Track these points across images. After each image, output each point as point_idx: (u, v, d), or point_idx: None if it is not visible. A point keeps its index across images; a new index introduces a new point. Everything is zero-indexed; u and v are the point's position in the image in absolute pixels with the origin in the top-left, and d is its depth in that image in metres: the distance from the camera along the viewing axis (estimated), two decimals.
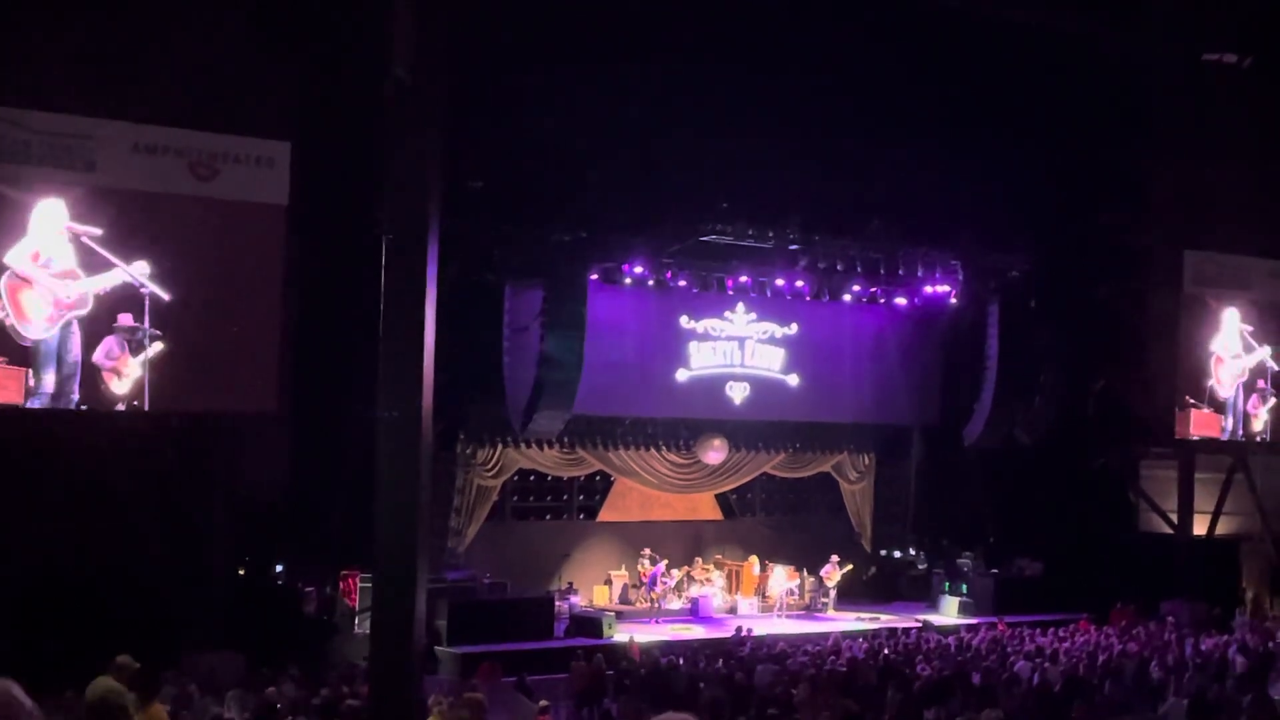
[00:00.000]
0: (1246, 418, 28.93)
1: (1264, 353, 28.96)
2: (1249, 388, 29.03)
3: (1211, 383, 28.41)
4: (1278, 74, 27.89)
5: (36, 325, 18.85)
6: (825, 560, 27.94)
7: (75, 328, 18.90)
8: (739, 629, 23.13)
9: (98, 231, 18.77)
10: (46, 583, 19.11)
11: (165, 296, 19.16)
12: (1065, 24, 26.14)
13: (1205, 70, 27.71)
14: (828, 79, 24.75)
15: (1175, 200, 27.89)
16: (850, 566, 27.97)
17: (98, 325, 18.96)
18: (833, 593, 27.45)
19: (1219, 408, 28.39)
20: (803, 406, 28.09)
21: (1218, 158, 27.86)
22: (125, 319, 19.12)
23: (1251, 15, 26.90)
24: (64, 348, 19.00)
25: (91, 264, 18.87)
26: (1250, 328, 28.88)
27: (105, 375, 19.05)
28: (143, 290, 19.02)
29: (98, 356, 19.02)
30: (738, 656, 19.93)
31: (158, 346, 19.14)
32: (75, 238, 18.69)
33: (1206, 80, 27.69)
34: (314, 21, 20.29)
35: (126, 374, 19.11)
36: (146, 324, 19.14)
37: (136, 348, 19.09)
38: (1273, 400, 29.25)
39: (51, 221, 18.79)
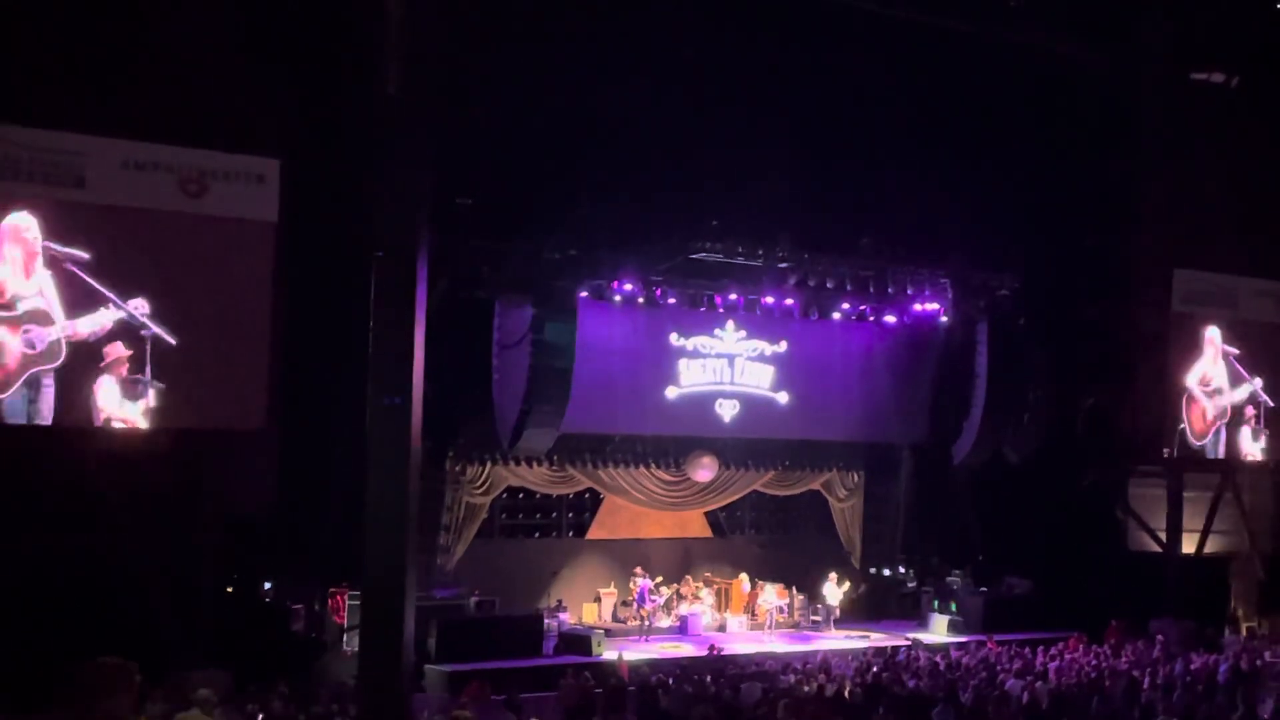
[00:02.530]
0: (1233, 447, 28.93)
1: (1254, 384, 28.97)
2: (1236, 423, 28.99)
3: (1183, 427, 28.35)
4: (1265, 93, 28.05)
5: None
6: (813, 578, 27.99)
7: (46, 385, 18.27)
8: (710, 647, 23.07)
9: (84, 256, 18.42)
10: (33, 598, 19.00)
11: (171, 340, 18.91)
12: (1054, 44, 26.28)
13: (1193, 89, 27.86)
14: (818, 97, 24.84)
15: (1164, 219, 27.99)
16: (848, 584, 27.97)
17: (85, 371, 18.65)
18: (835, 611, 27.37)
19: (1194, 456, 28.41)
20: (792, 424, 28.07)
21: (1206, 177, 28.00)
22: (115, 350, 18.61)
23: (1238, 35, 27.07)
24: (32, 411, 18.28)
25: (76, 300, 18.41)
26: (1238, 351, 28.89)
27: (113, 423, 18.76)
28: (144, 333, 18.70)
29: (102, 403, 18.67)
30: (726, 674, 19.89)
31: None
32: (53, 263, 18.25)
33: (1194, 99, 27.82)
34: (305, 38, 20.32)
35: (134, 426, 18.90)
36: (148, 373, 18.83)
37: (137, 397, 18.82)
38: (1265, 437, 29.26)
39: (20, 243, 18.15)
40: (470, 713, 13.10)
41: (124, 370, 18.68)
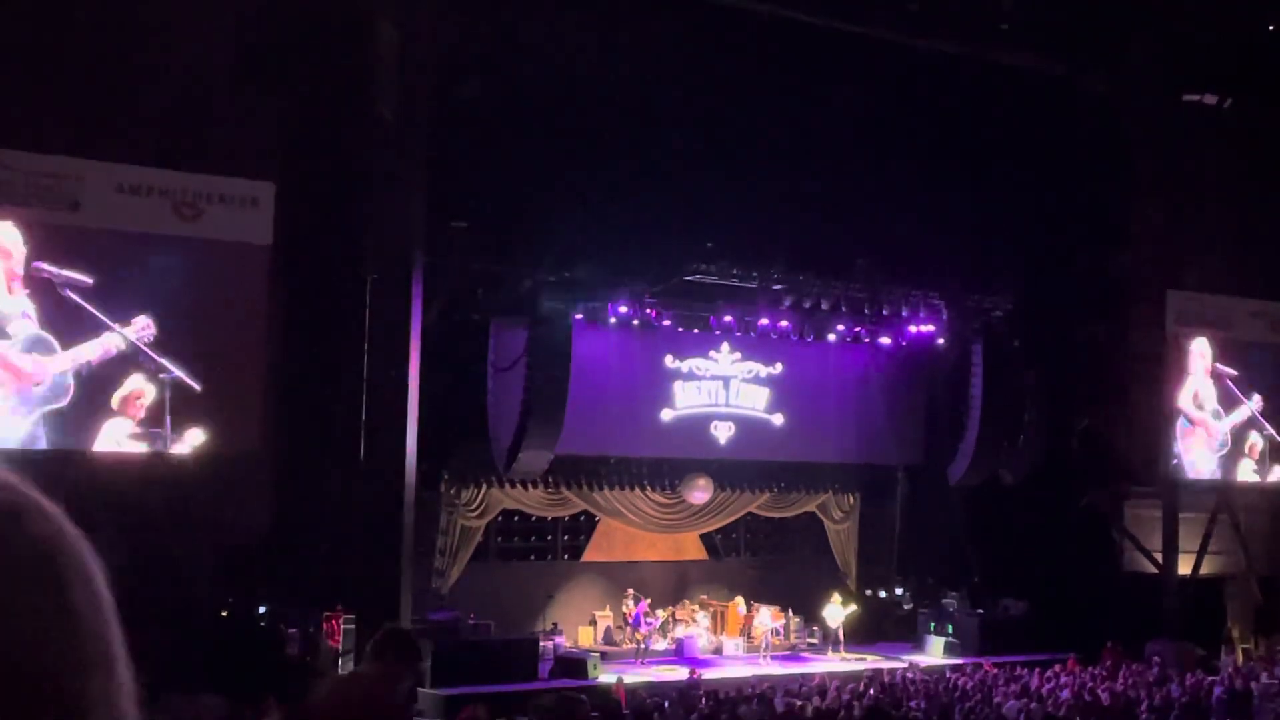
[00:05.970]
0: (1230, 470, 28.86)
1: (1250, 405, 28.90)
2: (1239, 451, 28.92)
3: (1176, 463, 28.23)
4: (1257, 114, 28.14)
5: None
6: (809, 600, 27.93)
7: (43, 428, 17.96)
8: (691, 672, 22.98)
9: (87, 281, 18.20)
10: None
11: (196, 387, 18.62)
12: (1047, 67, 26.39)
13: (1186, 111, 27.95)
14: (812, 120, 24.89)
15: (1157, 240, 28.04)
16: (853, 607, 27.91)
17: (93, 409, 18.36)
18: (839, 633, 27.25)
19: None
20: (787, 446, 28.08)
21: (1199, 197, 28.05)
22: (134, 386, 18.15)
23: (1230, 57, 27.16)
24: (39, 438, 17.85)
25: (70, 327, 18.07)
26: (1234, 372, 28.85)
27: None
28: (163, 376, 18.30)
29: (107, 447, 18.50)
30: (723, 698, 19.81)
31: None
32: (46, 286, 17.97)
33: (1187, 121, 27.91)
34: (300, 63, 20.36)
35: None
36: (168, 425, 18.54)
37: (150, 446, 18.55)
38: (1276, 470, 29.21)
39: (4, 256, 17.75)
40: None
41: (140, 413, 18.37)
